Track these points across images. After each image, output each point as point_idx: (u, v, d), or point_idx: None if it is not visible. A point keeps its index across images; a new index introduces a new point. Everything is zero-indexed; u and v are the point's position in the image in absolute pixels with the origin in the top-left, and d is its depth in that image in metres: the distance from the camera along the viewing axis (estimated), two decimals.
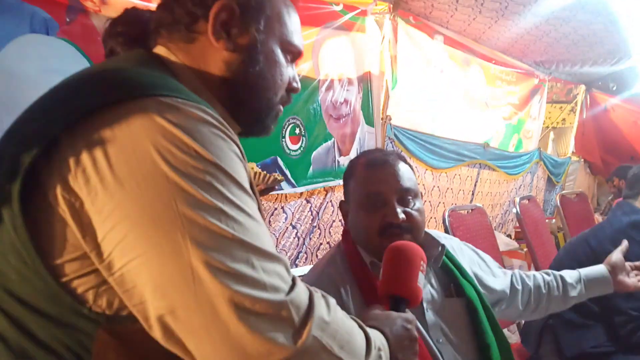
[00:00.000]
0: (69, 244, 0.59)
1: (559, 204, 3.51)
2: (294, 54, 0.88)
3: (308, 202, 3.09)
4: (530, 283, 1.50)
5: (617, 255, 1.61)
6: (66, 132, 0.59)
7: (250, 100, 0.81)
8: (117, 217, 0.57)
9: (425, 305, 1.22)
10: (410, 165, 1.32)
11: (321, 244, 3.19)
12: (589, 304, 2.03)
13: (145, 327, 0.59)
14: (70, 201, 0.58)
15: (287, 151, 2.86)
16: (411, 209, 1.23)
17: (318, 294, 0.65)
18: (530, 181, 5.83)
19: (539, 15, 3.57)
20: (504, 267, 1.58)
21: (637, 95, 5.79)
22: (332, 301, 0.68)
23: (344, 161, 3.25)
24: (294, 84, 0.88)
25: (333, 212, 3.24)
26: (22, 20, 1.85)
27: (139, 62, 0.75)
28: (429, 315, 1.21)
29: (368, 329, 0.73)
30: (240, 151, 0.66)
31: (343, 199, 1.37)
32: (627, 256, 1.94)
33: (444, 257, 1.28)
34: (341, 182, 3.39)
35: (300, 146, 2.94)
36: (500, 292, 1.42)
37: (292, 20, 0.87)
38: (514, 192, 5.43)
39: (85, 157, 0.58)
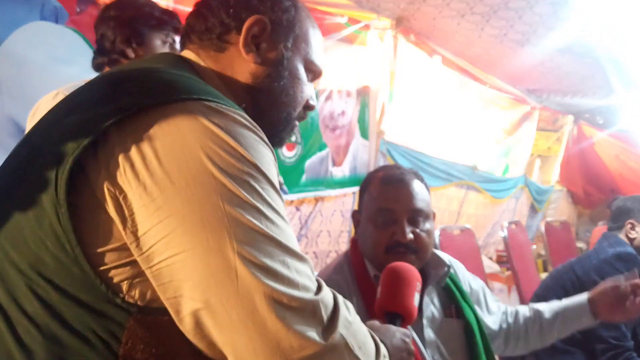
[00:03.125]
0: (110, 235, 0.61)
1: (543, 230, 3.57)
2: (315, 74, 0.92)
3: (298, 210, 3.10)
4: (512, 320, 1.48)
5: (607, 283, 1.50)
6: (115, 126, 0.61)
7: (270, 112, 0.85)
8: (165, 212, 0.58)
9: (425, 322, 1.24)
10: (426, 185, 1.34)
11: (307, 253, 3.20)
12: None
13: (175, 320, 0.60)
14: (115, 194, 0.60)
15: (282, 157, 2.87)
16: (420, 229, 1.25)
17: (340, 296, 0.68)
18: (514, 206, 5.91)
19: (536, 45, 3.65)
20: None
21: (622, 131, 5.91)
22: (350, 304, 0.71)
23: (337, 172, 3.27)
24: (311, 102, 0.92)
25: (322, 222, 3.26)
26: (34, 7, 1.85)
27: (172, 64, 0.79)
28: (428, 332, 1.23)
29: (376, 337, 0.76)
30: (274, 155, 0.69)
31: (356, 208, 1.40)
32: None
33: (447, 279, 1.31)
34: (332, 193, 3.41)
35: (295, 153, 2.95)
36: (492, 330, 1.43)
37: (317, 42, 0.92)
38: (498, 215, 5.50)
39: (134, 153, 0.60)
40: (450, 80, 4.22)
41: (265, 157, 0.65)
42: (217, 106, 0.65)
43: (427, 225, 1.27)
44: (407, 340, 0.92)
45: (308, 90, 0.90)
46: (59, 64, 1.87)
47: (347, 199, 3.40)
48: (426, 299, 1.28)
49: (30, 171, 0.65)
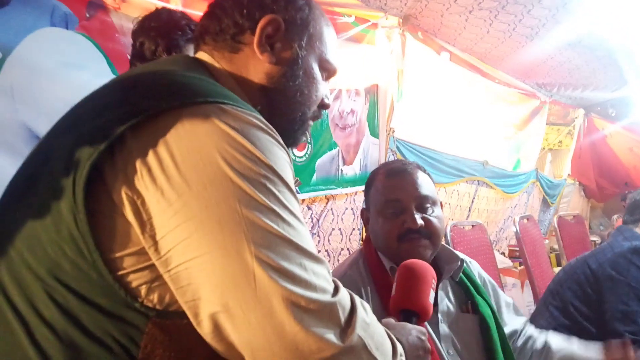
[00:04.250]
0: (128, 239, 0.61)
1: (556, 225, 3.55)
2: (329, 72, 0.92)
3: (309, 209, 3.10)
4: (521, 343, 1.43)
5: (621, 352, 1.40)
6: (131, 130, 0.61)
7: (286, 111, 0.85)
8: (183, 216, 0.59)
9: (440, 317, 1.24)
10: (429, 176, 1.35)
11: (319, 251, 3.21)
12: (588, 325, 2.06)
13: (193, 323, 0.60)
14: (133, 198, 0.60)
15: (293, 157, 2.88)
16: (429, 215, 1.26)
17: (357, 297, 0.68)
18: (526, 201, 5.88)
19: (545, 39, 3.62)
20: (500, 284, 1.57)
21: (634, 123, 5.86)
22: (367, 305, 0.71)
23: (347, 170, 3.27)
24: (326, 101, 0.92)
25: (333, 220, 3.26)
26: (43, 13, 1.86)
27: (187, 66, 0.79)
28: (443, 327, 1.24)
29: (392, 336, 0.76)
30: (289, 157, 0.69)
31: (364, 206, 1.40)
32: (628, 280, 1.98)
33: (461, 274, 1.31)
34: (343, 191, 3.41)
35: (306, 153, 2.96)
36: None
37: (331, 40, 0.91)
38: (510, 210, 5.47)
39: (151, 157, 0.60)
40: (459, 77, 4.20)
41: (280, 159, 0.66)
42: (232, 109, 0.65)
43: (436, 211, 1.29)
44: (424, 337, 0.92)
45: (323, 88, 0.90)
46: (70, 70, 1.88)
47: (358, 197, 3.40)
48: (441, 293, 1.29)
49: (46, 177, 0.65)
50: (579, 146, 6.50)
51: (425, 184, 1.30)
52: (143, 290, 0.62)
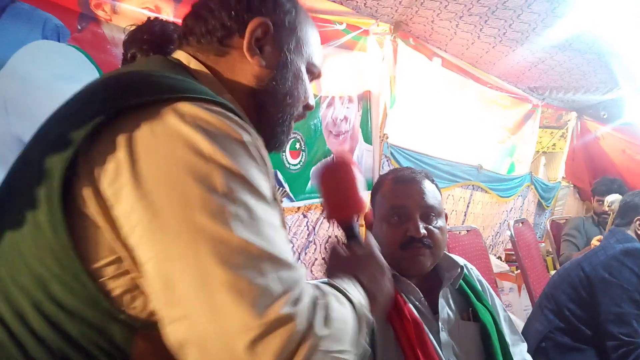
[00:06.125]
0: (104, 247, 0.60)
1: (549, 228, 3.57)
2: (314, 75, 0.92)
3: (305, 216, 3.10)
4: None
5: None
6: (92, 135, 0.59)
7: (274, 114, 0.84)
8: (136, 219, 0.57)
9: (440, 324, 1.25)
10: (437, 186, 1.36)
11: (316, 259, 3.20)
12: (583, 328, 2.07)
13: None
14: (101, 203, 0.59)
15: (287, 165, 2.89)
16: (433, 226, 1.27)
17: (320, 303, 0.61)
18: (521, 204, 5.89)
19: (535, 43, 3.65)
20: (496, 289, 1.59)
21: (627, 124, 5.88)
22: (332, 303, 0.64)
23: None
24: (310, 102, 0.91)
25: (329, 227, 3.26)
26: (35, 26, 1.87)
27: (164, 66, 0.78)
28: (443, 335, 1.24)
29: (354, 299, 0.71)
30: (262, 156, 0.65)
31: (368, 210, 1.41)
32: (621, 282, 1.99)
33: (461, 281, 1.32)
34: None
35: (300, 161, 2.97)
36: None
37: (317, 42, 0.91)
38: (505, 214, 5.48)
39: (111, 158, 0.59)
40: (451, 82, 4.22)
41: (247, 161, 0.62)
42: (199, 106, 0.62)
43: (440, 223, 1.29)
44: (389, 273, 0.88)
45: (310, 90, 0.90)
46: (62, 82, 1.89)
47: None
48: (441, 301, 1.29)
49: (22, 188, 0.64)
50: (573, 149, 6.52)
51: (432, 194, 1.31)
52: (126, 298, 0.61)
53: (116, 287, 0.60)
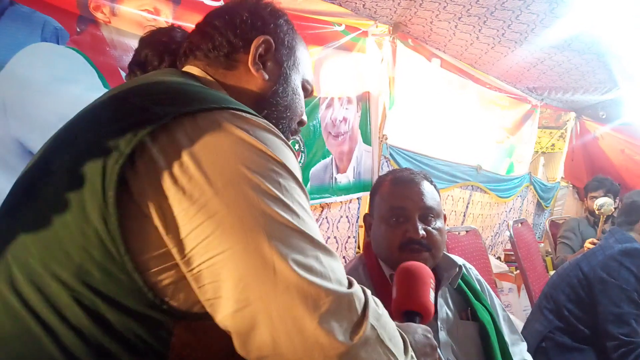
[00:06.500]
0: (153, 241, 0.63)
1: (547, 228, 3.57)
2: (307, 91, 1.00)
3: None
4: None
5: None
6: (151, 136, 0.64)
7: (276, 125, 0.90)
8: (204, 215, 0.62)
9: (439, 324, 1.25)
10: (436, 187, 1.36)
11: None
12: (582, 328, 2.08)
13: (216, 320, 0.63)
14: (156, 201, 0.63)
15: None
16: (432, 227, 1.27)
17: (368, 291, 0.71)
18: (520, 205, 5.89)
19: (534, 43, 3.65)
20: (496, 289, 1.59)
21: (625, 124, 5.89)
22: (378, 299, 0.73)
23: (341, 178, 3.28)
24: (304, 118, 0.99)
25: (328, 228, 3.26)
26: (34, 29, 1.87)
27: (184, 78, 0.84)
28: (442, 334, 1.24)
29: (402, 332, 0.77)
30: (296, 155, 0.74)
31: (367, 212, 1.42)
32: (619, 282, 1.99)
33: (460, 280, 1.32)
34: (337, 199, 3.42)
35: (299, 162, 2.97)
36: None
37: (309, 62, 1.00)
38: (504, 215, 5.49)
39: (173, 160, 0.63)
40: (450, 83, 4.23)
41: (290, 157, 0.70)
42: (241, 114, 0.69)
43: (439, 224, 1.30)
44: (430, 335, 0.93)
45: (303, 106, 0.98)
46: (62, 84, 1.89)
47: (353, 204, 3.40)
48: (440, 300, 1.30)
49: (47, 188, 0.67)
50: (572, 149, 6.53)
51: (431, 195, 1.32)
52: (170, 290, 0.64)
53: (162, 279, 0.64)
